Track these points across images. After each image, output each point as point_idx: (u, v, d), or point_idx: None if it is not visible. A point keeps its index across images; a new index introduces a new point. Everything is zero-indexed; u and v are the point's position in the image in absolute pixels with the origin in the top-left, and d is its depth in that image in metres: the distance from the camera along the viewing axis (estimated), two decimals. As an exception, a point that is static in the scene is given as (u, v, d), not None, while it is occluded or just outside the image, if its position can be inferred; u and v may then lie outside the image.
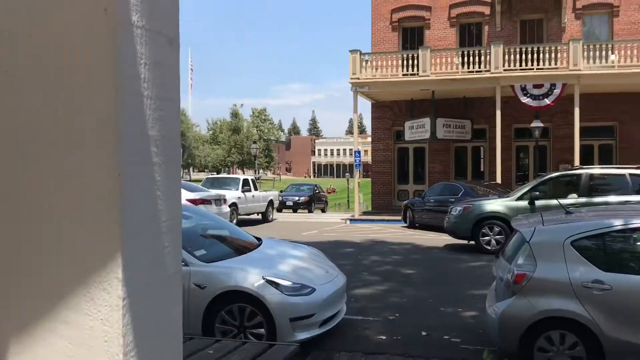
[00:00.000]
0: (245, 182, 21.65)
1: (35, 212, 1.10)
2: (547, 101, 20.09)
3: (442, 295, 8.73)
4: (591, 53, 20.33)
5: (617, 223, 5.25)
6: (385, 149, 25.27)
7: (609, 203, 12.19)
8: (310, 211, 31.63)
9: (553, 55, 20.56)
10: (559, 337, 4.99)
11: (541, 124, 20.66)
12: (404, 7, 24.77)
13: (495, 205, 13.75)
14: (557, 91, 19.92)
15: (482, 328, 6.48)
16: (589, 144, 22.49)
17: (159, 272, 1.09)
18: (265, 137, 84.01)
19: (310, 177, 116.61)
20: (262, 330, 5.74)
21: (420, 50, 21.67)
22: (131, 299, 1.04)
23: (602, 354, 4.84)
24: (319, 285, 6.15)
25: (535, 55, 20.67)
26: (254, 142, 48.03)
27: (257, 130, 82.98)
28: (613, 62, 20.29)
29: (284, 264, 6.50)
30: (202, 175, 63.58)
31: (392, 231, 18.28)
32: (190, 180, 50.21)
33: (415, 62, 21.66)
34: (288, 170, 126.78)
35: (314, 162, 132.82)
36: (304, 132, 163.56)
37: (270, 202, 23.13)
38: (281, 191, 32.84)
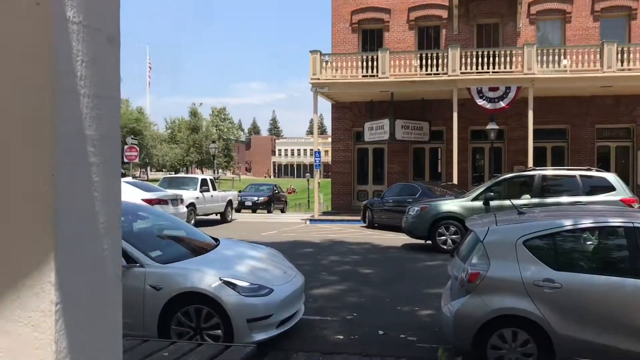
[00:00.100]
0: (204, 182, 21.38)
1: None
2: (502, 104, 20.56)
3: (399, 295, 8.82)
4: (544, 57, 20.90)
5: (567, 223, 5.40)
6: (345, 150, 25.40)
7: (560, 204, 12.53)
8: (269, 211, 31.50)
9: (508, 59, 21.04)
10: (511, 335, 5.10)
11: (496, 126, 21.16)
12: (364, 9, 24.95)
13: (451, 205, 13.98)
14: (511, 94, 20.40)
15: (437, 326, 6.57)
16: (542, 146, 23.11)
17: (97, 276, 1.06)
18: (225, 137, 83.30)
19: (270, 177, 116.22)
20: (219, 332, 5.68)
21: (379, 52, 21.85)
22: (65, 304, 1.00)
23: (552, 351, 4.98)
24: (276, 286, 6.12)
25: (491, 59, 21.12)
26: (213, 142, 47.56)
27: (216, 130, 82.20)
28: (565, 66, 20.90)
29: (241, 264, 6.45)
30: (160, 175, 62.58)
31: (352, 231, 18.38)
32: (147, 180, 49.42)
33: (375, 63, 21.84)
34: (248, 170, 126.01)
35: (274, 162, 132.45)
36: (264, 132, 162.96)
37: (229, 203, 22.92)
38: (240, 191, 32.59)
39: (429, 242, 13.96)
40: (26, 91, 0.99)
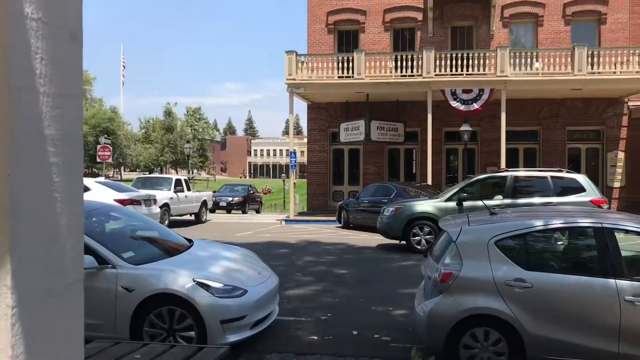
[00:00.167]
0: (178, 182, 21.18)
1: None
2: (475, 106, 20.79)
3: (374, 295, 8.85)
4: (517, 60, 21.20)
5: (538, 224, 5.48)
6: (321, 150, 25.42)
7: (532, 204, 12.72)
8: (244, 212, 31.35)
9: (482, 61, 21.30)
10: (483, 334, 5.16)
11: (470, 128, 21.40)
12: (340, 10, 25.00)
13: (425, 206, 14.08)
14: (485, 96, 20.66)
15: (411, 326, 6.61)
16: (514, 147, 23.45)
17: (57, 279, 1.03)
18: (200, 137, 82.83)
19: (245, 177, 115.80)
20: (192, 333, 5.64)
21: (355, 54, 21.92)
22: (22, 308, 0.96)
23: (523, 350, 5.05)
24: (251, 287, 6.10)
25: (464, 61, 21.35)
26: (188, 142, 47.14)
27: (191, 130, 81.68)
28: (537, 69, 21.24)
29: (215, 265, 6.41)
30: (134, 175, 61.88)
31: (327, 232, 18.40)
32: (121, 180, 48.76)
33: (350, 64, 21.91)
34: (223, 170, 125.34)
35: (250, 163, 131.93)
36: (240, 132, 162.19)
37: (204, 203, 22.76)
38: (215, 192, 32.36)
39: (403, 242, 14.04)
40: None
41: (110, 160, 30.65)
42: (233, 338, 5.71)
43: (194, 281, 5.71)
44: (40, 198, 1.01)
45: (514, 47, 22.70)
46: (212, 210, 27.53)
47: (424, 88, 21.20)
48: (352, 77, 21.81)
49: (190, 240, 7.31)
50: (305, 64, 22.43)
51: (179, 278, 5.73)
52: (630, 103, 23.22)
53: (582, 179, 13.61)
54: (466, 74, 21.20)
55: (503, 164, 20.65)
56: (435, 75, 21.18)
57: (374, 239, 15.71)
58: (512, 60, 21.05)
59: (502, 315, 5.04)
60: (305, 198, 27.16)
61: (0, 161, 0.94)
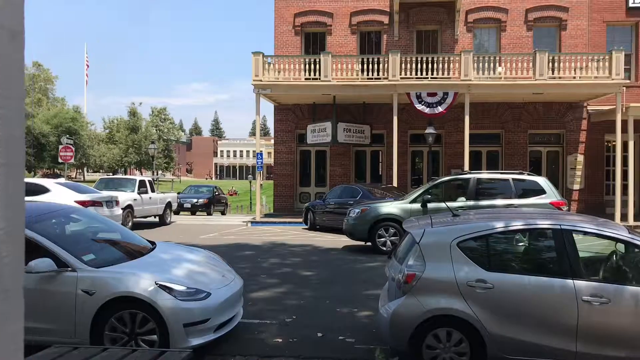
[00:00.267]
0: (142, 183, 20.85)
1: None
2: (440, 109, 21.06)
3: (339, 296, 8.88)
4: (481, 64, 21.57)
5: (499, 225, 5.57)
6: (288, 152, 25.39)
7: (494, 206, 12.95)
8: (209, 214, 31.08)
9: (446, 65, 21.59)
10: (446, 335, 5.22)
11: (434, 131, 21.68)
12: (307, 12, 25.02)
13: (390, 207, 14.19)
14: (449, 100, 20.94)
15: (375, 327, 6.65)
16: (477, 150, 23.84)
17: None
18: (165, 137, 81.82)
19: (211, 178, 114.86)
20: (154, 337, 5.56)
21: (322, 56, 21.96)
22: None
23: (485, 350, 5.12)
24: (214, 290, 6.05)
25: (430, 65, 21.61)
26: (152, 142, 46.46)
27: (156, 130, 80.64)
28: (500, 73, 21.64)
29: (178, 268, 6.33)
30: (97, 176, 60.74)
31: (293, 233, 18.37)
32: (84, 181, 47.77)
33: (317, 66, 21.94)
34: (189, 171, 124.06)
35: (216, 164, 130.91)
36: (206, 133, 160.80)
37: (168, 205, 22.48)
38: (179, 193, 32.00)
39: (369, 243, 14.12)
40: None
41: (72, 160, 29.98)
42: (196, 341, 5.66)
43: (157, 284, 5.63)
44: None
45: (478, 52, 23.09)
46: (177, 212, 27.20)
47: (390, 91, 21.37)
48: (319, 79, 21.84)
49: (153, 243, 7.22)
50: (272, 65, 22.36)
51: (141, 281, 5.65)
52: (589, 107, 23.86)
53: (542, 181, 13.92)
54: (431, 78, 21.45)
55: (467, 167, 20.96)
56: (401, 78, 21.38)
57: (340, 241, 15.75)
58: (475, 65, 21.40)
59: (464, 316, 5.11)
60: (272, 200, 27.07)
61: None
